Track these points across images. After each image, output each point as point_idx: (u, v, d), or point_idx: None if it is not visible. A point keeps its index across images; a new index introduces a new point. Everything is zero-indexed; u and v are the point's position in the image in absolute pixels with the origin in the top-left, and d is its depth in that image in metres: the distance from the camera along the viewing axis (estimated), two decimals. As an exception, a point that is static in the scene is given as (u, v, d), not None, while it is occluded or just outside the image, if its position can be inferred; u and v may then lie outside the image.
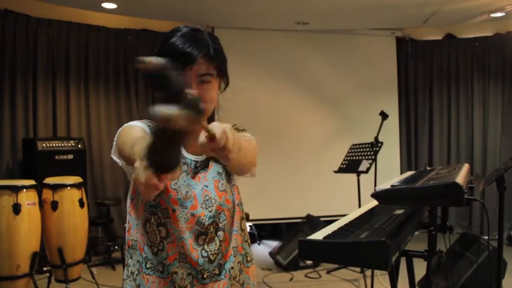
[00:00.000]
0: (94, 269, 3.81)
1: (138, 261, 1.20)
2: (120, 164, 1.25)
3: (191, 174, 1.22)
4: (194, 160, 1.24)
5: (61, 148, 4.55)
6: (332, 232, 1.72)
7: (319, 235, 1.68)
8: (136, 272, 1.20)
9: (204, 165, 1.25)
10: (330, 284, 4.09)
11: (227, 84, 1.28)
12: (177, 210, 1.17)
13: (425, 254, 1.80)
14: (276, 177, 5.13)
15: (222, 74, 1.23)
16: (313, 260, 3.96)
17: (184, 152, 1.24)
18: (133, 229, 1.22)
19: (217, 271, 1.20)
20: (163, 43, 1.19)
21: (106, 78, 5.36)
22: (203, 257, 1.18)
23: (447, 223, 2.07)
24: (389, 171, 4.94)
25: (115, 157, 1.25)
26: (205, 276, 1.19)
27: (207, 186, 1.21)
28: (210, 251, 1.19)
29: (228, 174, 1.28)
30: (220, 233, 1.22)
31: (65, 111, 5.11)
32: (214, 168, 1.25)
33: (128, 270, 1.23)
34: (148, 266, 1.19)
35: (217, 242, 1.21)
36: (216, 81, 1.20)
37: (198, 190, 1.20)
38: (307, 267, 4.42)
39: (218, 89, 1.24)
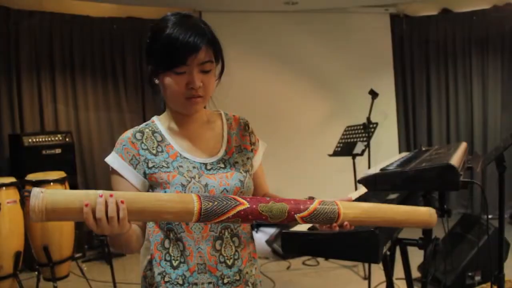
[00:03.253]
0: (83, 265, 3.72)
1: (159, 273, 1.21)
2: None
3: (205, 175, 1.19)
4: (204, 163, 1.21)
5: (48, 142, 4.43)
6: (319, 223, 1.60)
7: (304, 226, 1.56)
8: (155, 285, 1.21)
9: (217, 167, 1.22)
10: (328, 271, 3.99)
11: (223, 68, 1.25)
12: (190, 223, 1.17)
13: (419, 242, 1.69)
14: (270, 163, 5.01)
15: (219, 59, 1.22)
16: (297, 254, 3.85)
17: (190, 156, 1.21)
18: (152, 245, 1.24)
19: (237, 277, 1.21)
20: (155, 35, 1.14)
21: (92, 68, 5.21)
22: (220, 262, 1.19)
23: (445, 206, 1.94)
24: (388, 153, 4.80)
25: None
26: (225, 281, 1.19)
27: (227, 191, 1.19)
28: (227, 256, 1.20)
29: (249, 183, 1.26)
30: (235, 239, 1.22)
31: (52, 105, 4.97)
32: (235, 175, 1.23)
33: (145, 281, 1.25)
34: (166, 280, 1.19)
35: (233, 247, 1.21)
36: (214, 67, 1.20)
37: (218, 191, 1.18)
38: (305, 254, 4.32)
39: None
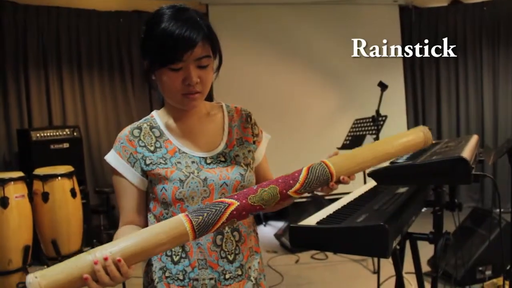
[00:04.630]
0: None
1: (160, 268, 1.20)
2: None
3: (204, 169, 1.17)
4: (203, 157, 1.19)
5: (56, 137, 4.44)
6: (327, 216, 1.57)
7: (312, 220, 1.53)
8: (157, 280, 1.20)
9: (217, 161, 1.20)
10: (337, 265, 3.97)
11: (220, 62, 1.20)
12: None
13: (430, 236, 1.65)
14: (278, 156, 4.99)
15: (216, 52, 1.18)
16: (306, 248, 3.82)
17: (189, 150, 1.19)
18: None
19: (239, 272, 1.20)
20: (150, 30, 1.10)
21: (99, 63, 5.21)
22: (222, 258, 1.17)
23: (456, 200, 1.90)
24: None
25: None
26: (227, 277, 1.18)
27: (227, 185, 1.17)
28: (228, 251, 1.18)
29: (250, 177, 1.24)
30: (236, 233, 1.20)
31: (59, 100, 4.99)
32: (236, 169, 1.20)
33: (147, 276, 1.25)
34: (167, 275, 1.18)
35: (234, 242, 1.19)
36: (212, 61, 1.16)
37: (217, 185, 1.17)
38: (313, 248, 4.30)
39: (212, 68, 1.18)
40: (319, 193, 1.13)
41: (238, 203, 0.97)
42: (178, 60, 1.07)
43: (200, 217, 0.94)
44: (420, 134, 1.18)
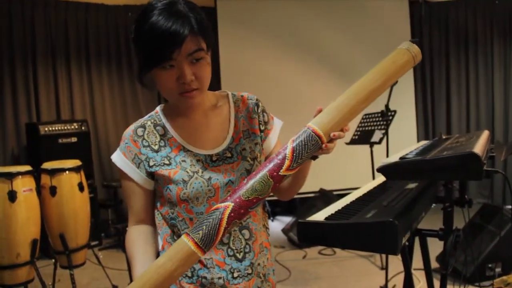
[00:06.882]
0: (100, 253, 3.74)
1: None
2: None
3: (210, 168, 1.14)
4: (209, 155, 1.15)
5: (64, 131, 4.46)
6: (336, 212, 1.55)
7: (320, 216, 1.51)
8: None
9: (223, 157, 1.16)
10: (344, 260, 3.95)
11: (212, 50, 1.14)
12: (194, 218, 1.13)
13: (440, 233, 1.63)
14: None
15: (210, 43, 1.09)
16: (314, 244, 3.81)
17: (194, 148, 1.15)
18: (161, 238, 1.22)
19: (249, 270, 1.17)
20: (139, 27, 1.04)
21: (107, 57, 5.21)
22: (229, 256, 1.14)
23: (466, 196, 1.87)
24: (406, 141, 4.72)
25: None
26: (235, 275, 1.15)
27: (232, 183, 1.14)
28: (236, 249, 1.15)
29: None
30: (245, 231, 1.17)
31: (67, 94, 5.00)
32: (242, 165, 1.16)
33: None
34: None
35: (242, 240, 1.16)
36: (206, 54, 1.08)
37: (222, 184, 1.13)
38: (321, 243, 4.28)
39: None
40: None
41: (233, 204, 0.93)
42: (168, 59, 1.01)
43: (200, 232, 0.92)
44: (404, 51, 1.05)
